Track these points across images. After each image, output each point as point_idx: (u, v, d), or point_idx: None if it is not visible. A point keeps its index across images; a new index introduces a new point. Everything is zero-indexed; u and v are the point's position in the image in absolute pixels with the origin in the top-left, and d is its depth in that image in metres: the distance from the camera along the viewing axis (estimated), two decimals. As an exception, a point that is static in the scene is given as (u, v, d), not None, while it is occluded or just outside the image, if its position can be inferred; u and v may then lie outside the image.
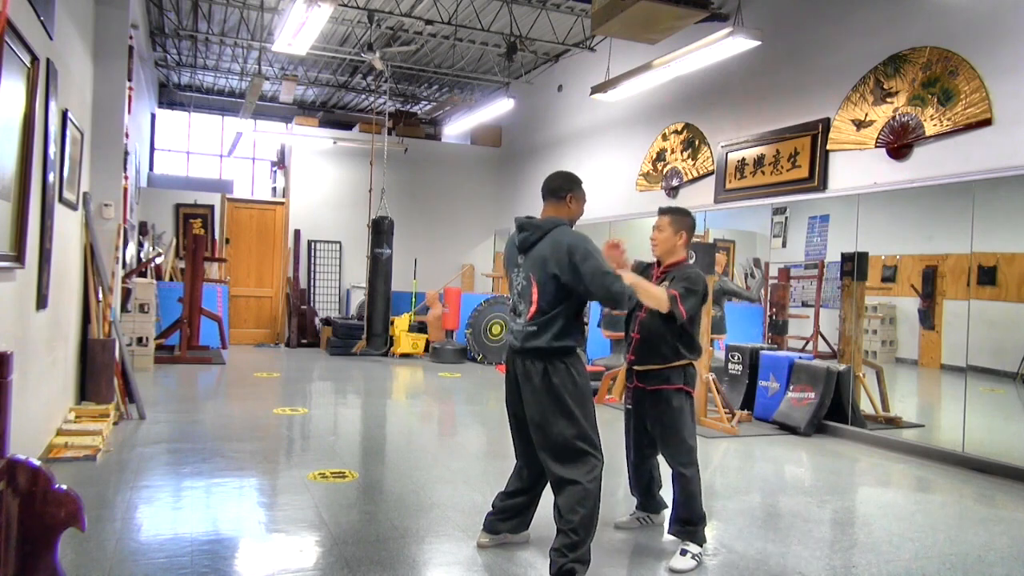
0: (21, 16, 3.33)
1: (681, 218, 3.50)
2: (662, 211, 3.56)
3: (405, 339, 10.57)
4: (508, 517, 3.28)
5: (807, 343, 7.37)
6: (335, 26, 9.86)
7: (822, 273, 7.17)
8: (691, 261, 3.65)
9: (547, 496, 3.17)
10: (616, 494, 4.16)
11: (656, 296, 3.25)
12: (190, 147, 13.95)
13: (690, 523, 3.28)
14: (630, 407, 3.57)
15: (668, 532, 3.40)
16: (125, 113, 6.53)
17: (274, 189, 13.29)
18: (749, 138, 7.55)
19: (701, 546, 3.25)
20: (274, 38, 7.68)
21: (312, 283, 12.24)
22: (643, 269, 3.62)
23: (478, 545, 3.28)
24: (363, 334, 10.32)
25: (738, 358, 6.88)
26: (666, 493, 3.56)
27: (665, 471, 3.52)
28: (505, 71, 10.83)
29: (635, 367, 3.46)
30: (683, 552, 3.20)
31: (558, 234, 2.98)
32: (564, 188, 3.13)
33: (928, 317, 6.91)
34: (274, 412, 6.26)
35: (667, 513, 3.65)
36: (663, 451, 3.43)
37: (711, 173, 8.06)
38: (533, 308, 2.97)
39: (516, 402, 3.11)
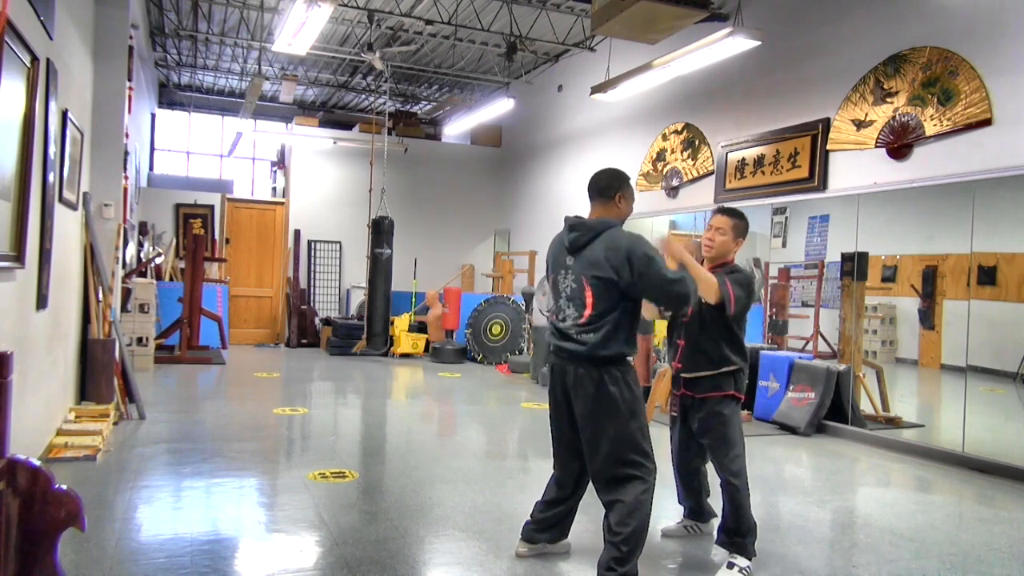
0: (21, 16, 3.33)
1: (742, 223, 3.30)
2: (723, 211, 3.32)
3: (405, 339, 10.57)
4: (546, 527, 3.16)
5: (807, 343, 7.36)
6: (335, 26, 9.86)
7: (822, 273, 7.16)
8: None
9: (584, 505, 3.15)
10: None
11: (706, 279, 3.05)
12: (190, 147, 13.95)
13: (739, 535, 3.12)
14: (675, 415, 3.41)
15: (716, 543, 3.25)
16: (125, 113, 6.53)
17: (274, 189, 13.29)
18: (749, 138, 7.54)
19: (750, 559, 3.10)
20: (274, 38, 7.68)
21: (312, 283, 12.24)
22: None
23: (516, 555, 3.16)
24: (363, 334, 10.32)
25: (738, 358, 6.86)
26: (715, 502, 3.43)
27: (714, 479, 3.34)
28: (505, 71, 10.82)
29: (683, 375, 3.29)
30: (730, 565, 3.06)
31: (613, 235, 2.85)
32: (613, 187, 2.97)
33: (928, 317, 6.90)
34: (274, 412, 6.26)
35: (716, 522, 3.53)
36: (713, 460, 3.26)
37: (711, 173, 8.06)
38: (588, 311, 2.84)
39: (563, 410, 2.98)
